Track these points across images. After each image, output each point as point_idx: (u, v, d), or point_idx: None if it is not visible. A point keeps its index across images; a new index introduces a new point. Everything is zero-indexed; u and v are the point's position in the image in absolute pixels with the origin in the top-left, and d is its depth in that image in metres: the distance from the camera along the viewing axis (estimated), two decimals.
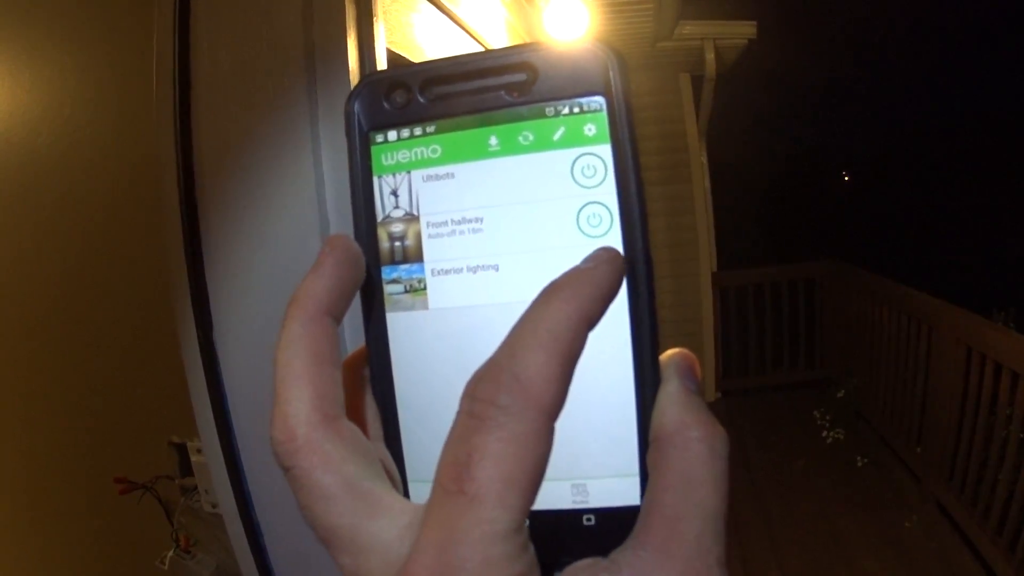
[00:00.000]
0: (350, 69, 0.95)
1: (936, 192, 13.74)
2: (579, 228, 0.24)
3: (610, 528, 0.22)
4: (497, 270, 0.24)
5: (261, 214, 0.97)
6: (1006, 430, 2.48)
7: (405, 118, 0.25)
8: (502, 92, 0.25)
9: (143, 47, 1.04)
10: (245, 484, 1.03)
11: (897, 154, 15.84)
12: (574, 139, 0.24)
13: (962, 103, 17.88)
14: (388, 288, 0.26)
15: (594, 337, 0.21)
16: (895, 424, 3.49)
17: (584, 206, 0.24)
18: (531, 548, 0.19)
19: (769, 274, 4.73)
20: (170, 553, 1.35)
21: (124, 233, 1.37)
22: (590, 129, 0.24)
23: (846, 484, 3.32)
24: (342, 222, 0.94)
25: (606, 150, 0.24)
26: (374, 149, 0.26)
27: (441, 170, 0.25)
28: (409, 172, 0.25)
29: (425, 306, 0.25)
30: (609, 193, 0.24)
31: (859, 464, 3.46)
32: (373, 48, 1.00)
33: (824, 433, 3.80)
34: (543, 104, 0.24)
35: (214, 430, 1.02)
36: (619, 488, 0.23)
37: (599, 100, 0.24)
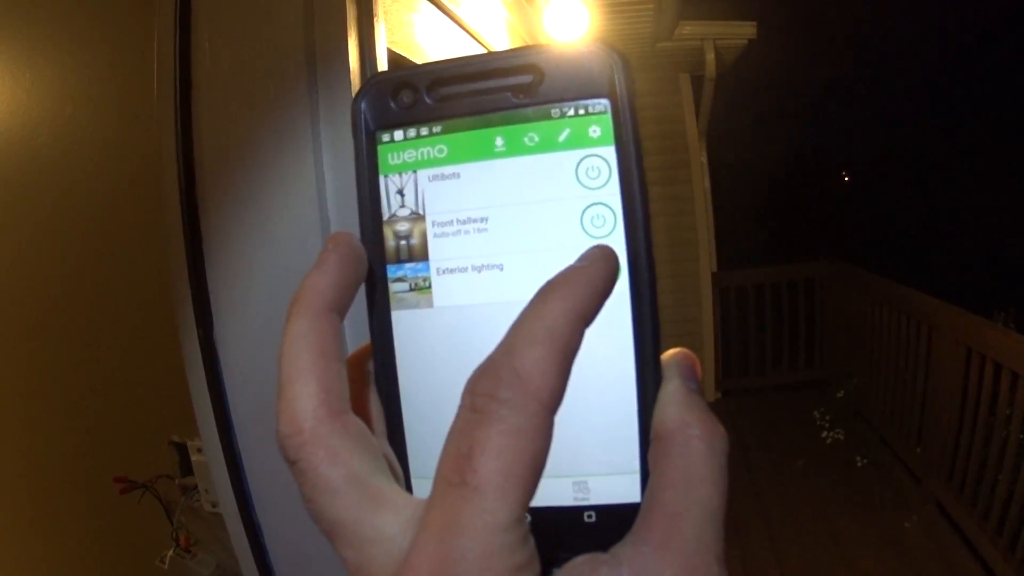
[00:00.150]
0: (351, 69, 0.95)
1: (936, 192, 13.74)
2: (583, 229, 0.24)
3: (611, 525, 0.22)
4: (502, 269, 0.25)
5: (262, 213, 0.97)
6: (1006, 430, 2.48)
7: (411, 118, 0.26)
8: (508, 93, 0.25)
9: (144, 47, 1.04)
10: (245, 483, 1.03)
11: (897, 154, 15.84)
12: (579, 141, 0.24)
13: (962, 103, 17.87)
14: (393, 286, 0.26)
15: (596, 336, 0.22)
16: (895, 424, 3.49)
17: (588, 207, 0.24)
18: (531, 540, 0.20)
19: (769, 274, 4.73)
20: (170, 552, 1.35)
21: (124, 233, 1.37)
22: (595, 131, 0.24)
23: (846, 484, 3.32)
24: (343, 221, 0.94)
25: (610, 152, 0.24)
26: (380, 148, 0.26)
27: (447, 170, 0.25)
28: (415, 172, 0.26)
29: (430, 304, 0.25)
30: (613, 194, 0.24)
31: (859, 464, 3.46)
32: (374, 48, 1.00)
33: (824, 433, 3.80)
34: (548, 106, 0.24)
35: (214, 429, 1.02)
36: (620, 485, 0.24)
37: (604, 102, 0.24)
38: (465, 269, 0.25)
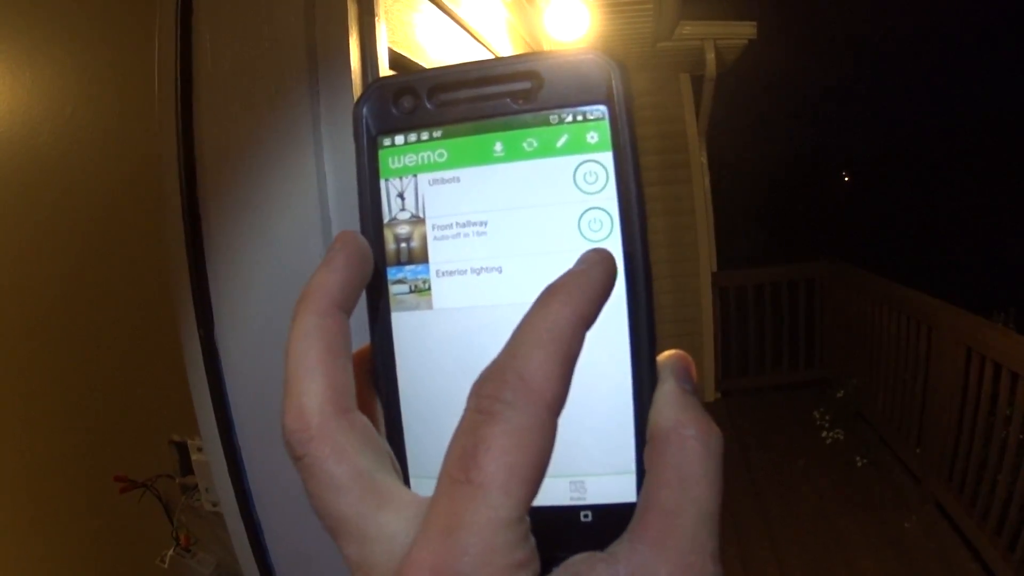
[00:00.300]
0: (352, 69, 0.95)
1: (936, 192, 13.74)
2: (580, 233, 0.24)
3: (607, 524, 0.23)
4: (500, 272, 0.25)
5: (263, 213, 0.97)
6: (1005, 431, 2.48)
7: (412, 123, 0.26)
8: (507, 99, 0.25)
9: (144, 46, 1.04)
10: (246, 482, 1.03)
11: (897, 154, 15.84)
12: (577, 146, 0.25)
13: (962, 103, 17.87)
14: (393, 288, 0.26)
15: (593, 338, 0.22)
16: (895, 424, 3.49)
17: (585, 211, 0.24)
18: (532, 539, 0.20)
19: (769, 274, 4.73)
20: (170, 552, 1.35)
21: (124, 233, 1.37)
22: (592, 137, 0.24)
23: (846, 484, 3.33)
24: (344, 221, 0.94)
25: (608, 158, 0.24)
26: (382, 153, 0.26)
27: (447, 174, 0.26)
28: (415, 176, 0.26)
29: (429, 306, 0.26)
30: (610, 199, 0.24)
31: (859, 464, 3.46)
32: (375, 48, 1.00)
33: (824, 433, 3.81)
34: (547, 112, 0.25)
35: (215, 428, 1.02)
36: (616, 485, 0.24)
37: (601, 109, 0.24)
38: (464, 272, 0.25)
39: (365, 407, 0.26)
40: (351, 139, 0.27)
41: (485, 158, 0.25)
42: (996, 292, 5.07)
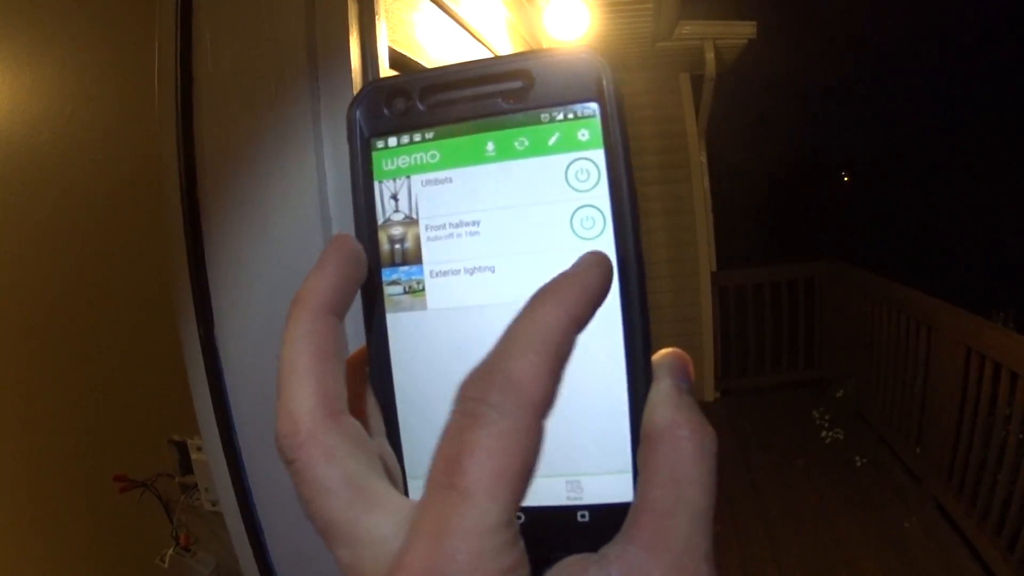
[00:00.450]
0: (352, 68, 0.95)
1: (936, 192, 13.74)
2: (573, 231, 0.24)
3: (604, 524, 0.23)
4: (493, 271, 0.25)
5: (263, 212, 0.97)
6: (1005, 430, 2.48)
7: (405, 124, 0.26)
8: (499, 99, 0.25)
9: (144, 46, 1.04)
10: (246, 482, 1.03)
11: (897, 154, 15.84)
12: (568, 144, 0.25)
13: (962, 103, 17.88)
14: (388, 289, 0.26)
15: (588, 336, 0.22)
16: (894, 424, 3.49)
17: (578, 209, 0.24)
18: (521, 542, 0.20)
19: (768, 274, 4.73)
20: (170, 551, 1.35)
21: (124, 233, 1.37)
22: (584, 135, 0.25)
23: (845, 484, 3.33)
24: (344, 220, 0.94)
25: (599, 155, 0.24)
26: (375, 155, 0.27)
27: (440, 175, 0.26)
28: (409, 177, 0.26)
29: (424, 306, 0.26)
30: (602, 197, 0.24)
31: (858, 464, 3.46)
32: (375, 47, 1.00)
33: (823, 433, 3.81)
34: (538, 111, 0.25)
35: (215, 428, 1.02)
36: (613, 485, 0.24)
37: (592, 107, 0.25)
38: (458, 272, 0.25)
39: (360, 410, 0.27)
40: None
41: (477, 158, 0.25)
42: (996, 292, 5.08)
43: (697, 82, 4.47)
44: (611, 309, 0.24)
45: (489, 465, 0.19)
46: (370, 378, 0.27)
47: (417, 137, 0.26)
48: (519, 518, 0.24)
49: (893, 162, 15.70)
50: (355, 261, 0.25)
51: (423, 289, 0.26)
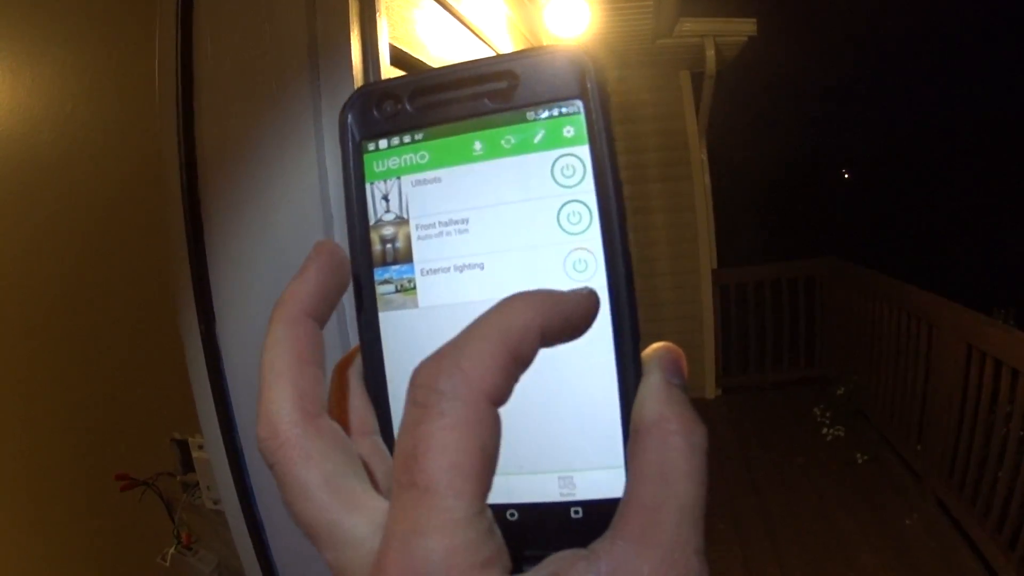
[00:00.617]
0: (353, 65, 0.95)
1: (937, 190, 13.75)
2: (560, 226, 0.25)
3: (598, 520, 0.22)
4: (482, 269, 0.25)
5: (264, 209, 0.97)
6: (1006, 428, 2.49)
7: (395, 127, 0.27)
8: (485, 99, 0.26)
9: (145, 45, 1.04)
10: (247, 480, 1.03)
11: (898, 152, 15.85)
12: (554, 141, 0.25)
13: (962, 102, 17.87)
14: (380, 288, 0.27)
15: None
16: (895, 422, 3.49)
17: (564, 205, 0.25)
18: (497, 533, 0.20)
19: (769, 272, 4.73)
20: (171, 550, 1.35)
21: (125, 231, 1.37)
22: (568, 131, 0.25)
23: (846, 482, 3.33)
24: (344, 218, 0.94)
25: (584, 151, 0.25)
26: (366, 157, 0.27)
27: (429, 175, 0.26)
28: (399, 178, 0.27)
29: (415, 305, 0.26)
30: (588, 191, 0.24)
31: (859, 461, 3.47)
32: (376, 44, 0.99)
33: (824, 431, 3.81)
34: (524, 109, 0.25)
35: (216, 426, 1.02)
36: (606, 480, 0.24)
37: (576, 103, 0.25)
38: (448, 269, 0.26)
39: (354, 409, 0.27)
40: None
41: (465, 157, 0.26)
42: (996, 289, 5.08)
43: (697, 79, 4.47)
44: (600, 304, 0.24)
45: (446, 460, 0.18)
46: (364, 376, 0.27)
47: (407, 139, 0.27)
48: (512, 515, 0.24)
49: (894, 160, 15.71)
50: (337, 267, 0.25)
51: (414, 287, 0.26)
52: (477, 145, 0.26)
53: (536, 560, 0.21)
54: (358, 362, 0.28)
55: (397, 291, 0.26)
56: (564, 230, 0.24)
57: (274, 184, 0.96)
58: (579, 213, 0.24)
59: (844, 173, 16.89)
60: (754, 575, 2.74)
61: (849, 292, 4.20)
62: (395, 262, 0.26)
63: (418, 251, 0.26)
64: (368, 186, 0.27)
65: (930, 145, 15.66)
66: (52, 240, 1.48)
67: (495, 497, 0.24)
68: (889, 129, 17.48)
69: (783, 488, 3.35)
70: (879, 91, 19.36)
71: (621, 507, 0.21)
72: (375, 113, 0.27)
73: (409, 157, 0.26)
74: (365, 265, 0.27)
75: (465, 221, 0.26)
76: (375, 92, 0.27)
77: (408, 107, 0.27)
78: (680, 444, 0.21)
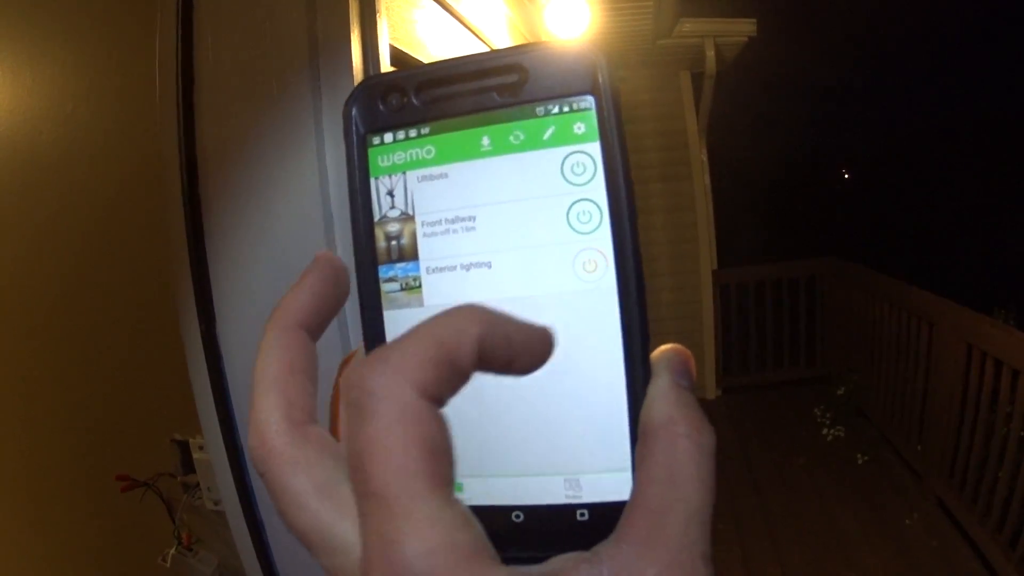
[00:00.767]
0: (353, 65, 0.95)
1: (937, 190, 13.74)
2: (569, 225, 0.24)
3: (604, 523, 0.22)
4: (490, 267, 0.25)
5: (264, 209, 0.97)
6: (1006, 427, 2.49)
7: (400, 120, 0.26)
8: (493, 93, 0.25)
9: (145, 45, 1.04)
10: (248, 481, 1.03)
11: (898, 152, 15.84)
12: (564, 138, 0.24)
13: (962, 102, 17.88)
14: (385, 286, 0.26)
15: (586, 331, 0.22)
16: (895, 421, 3.49)
17: (574, 203, 0.24)
18: (475, 523, 0.19)
19: (769, 271, 4.73)
20: (172, 551, 1.35)
21: (125, 232, 1.37)
22: (579, 128, 0.24)
23: (847, 481, 3.33)
24: (345, 217, 0.94)
25: (595, 148, 0.24)
26: (371, 151, 0.26)
27: (435, 170, 0.26)
28: (404, 173, 0.26)
29: (420, 303, 0.26)
30: (598, 190, 0.24)
31: (860, 461, 3.47)
32: (376, 44, 0.99)
33: (825, 431, 3.81)
34: (533, 104, 0.25)
35: (217, 427, 1.02)
36: (613, 483, 0.23)
37: (588, 99, 0.24)
38: (454, 268, 0.25)
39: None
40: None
41: (472, 153, 0.25)
42: (996, 289, 5.08)
43: (697, 80, 4.47)
44: (609, 304, 0.24)
45: (391, 463, 0.18)
46: None
47: (412, 133, 0.26)
48: (517, 517, 0.24)
49: (894, 159, 15.70)
50: (334, 279, 0.25)
51: (420, 286, 0.26)
52: (485, 140, 0.25)
53: (541, 563, 0.21)
54: None
55: (402, 289, 0.26)
56: (574, 229, 0.24)
57: (274, 184, 0.96)
58: (589, 212, 0.24)
59: (844, 173, 16.89)
60: (754, 575, 2.74)
61: (849, 292, 4.20)
62: (400, 260, 0.26)
63: (424, 249, 0.26)
64: (373, 181, 0.26)
65: (930, 145, 15.66)
66: (52, 240, 1.48)
67: (501, 499, 0.24)
68: (889, 129, 17.48)
69: (784, 488, 3.35)
70: (879, 91, 19.37)
71: (627, 510, 0.21)
72: (380, 106, 0.26)
73: (415, 152, 0.26)
74: (369, 263, 0.26)
75: (472, 218, 0.25)
76: (380, 85, 0.26)
77: (414, 100, 0.26)
78: (688, 447, 0.21)
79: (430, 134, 0.26)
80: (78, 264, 1.45)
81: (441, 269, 0.25)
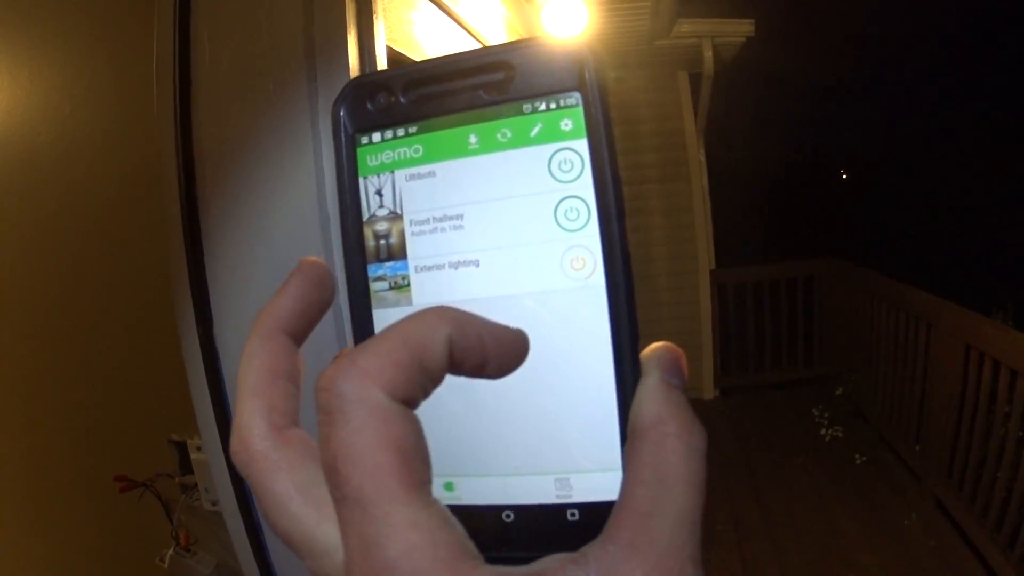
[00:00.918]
0: (350, 66, 0.95)
1: (936, 190, 13.75)
2: (557, 222, 0.24)
3: (595, 523, 0.22)
4: (478, 266, 0.25)
5: (261, 210, 0.97)
6: (1004, 427, 2.49)
7: (388, 120, 0.26)
8: (480, 91, 0.25)
9: (143, 45, 1.04)
10: (245, 481, 1.03)
11: (897, 152, 15.86)
12: (551, 135, 0.24)
13: (962, 102, 17.89)
14: (374, 285, 0.26)
15: (575, 329, 0.22)
16: (894, 422, 3.49)
17: (562, 200, 0.24)
18: (455, 523, 0.19)
19: (768, 272, 4.73)
20: (170, 551, 1.35)
21: (124, 232, 1.37)
22: (566, 124, 0.24)
23: (845, 482, 3.33)
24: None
25: (582, 145, 0.24)
26: (360, 151, 0.26)
27: (423, 169, 0.26)
28: (393, 172, 0.26)
29: (409, 302, 0.26)
30: (586, 187, 0.24)
31: (858, 462, 3.47)
32: (373, 45, 1.00)
33: (823, 431, 3.81)
34: (520, 102, 0.24)
35: (214, 427, 1.02)
36: (603, 483, 0.23)
37: (575, 96, 0.24)
38: (442, 266, 0.25)
39: None
40: None
41: (460, 151, 0.25)
42: (995, 289, 5.08)
43: (695, 80, 4.47)
44: (597, 302, 0.23)
45: (365, 466, 0.18)
46: None
47: (400, 132, 0.26)
48: (507, 516, 0.24)
49: (892, 160, 15.72)
50: (319, 284, 0.25)
51: (408, 285, 0.26)
52: (472, 138, 0.25)
53: (530, 562, 0.21)
54: None
55: (391, 288, 0.26)
56: (561, 226, 0.24)
57: (272, 184, 0.96)
58: (577, 209, 0.24)
59: (842, 173, 16.89)
60: (754, 575, 2.74)
61: (848, 292, 4.20)
62: (389, 258, 0.26)
63: (412, 247, 0.26)
64: (361, 180, 0.26)
65: (929, 145, 15.67)
66: (51, 240, 1.48)
67: (491, 498, 0.24)
68: (887, 129, 17.49)
69: (782, 488, 3.35)
70: (877, 91, 19.38)
71: (615, 511, 0.21)
72: (368, 106, 0.26)
73: (403, 151, 0.26)
74: (358, 262, 0.26)
75: (460, 217, 0.25)
76: (368, 84, 0.26)
77: (402, 99, 0.26)
78: (677, 447, 0.21)
79: (418, 133, 0.26)
80: (76, 265, 1.45)
81: (429, 268, 0.25)
